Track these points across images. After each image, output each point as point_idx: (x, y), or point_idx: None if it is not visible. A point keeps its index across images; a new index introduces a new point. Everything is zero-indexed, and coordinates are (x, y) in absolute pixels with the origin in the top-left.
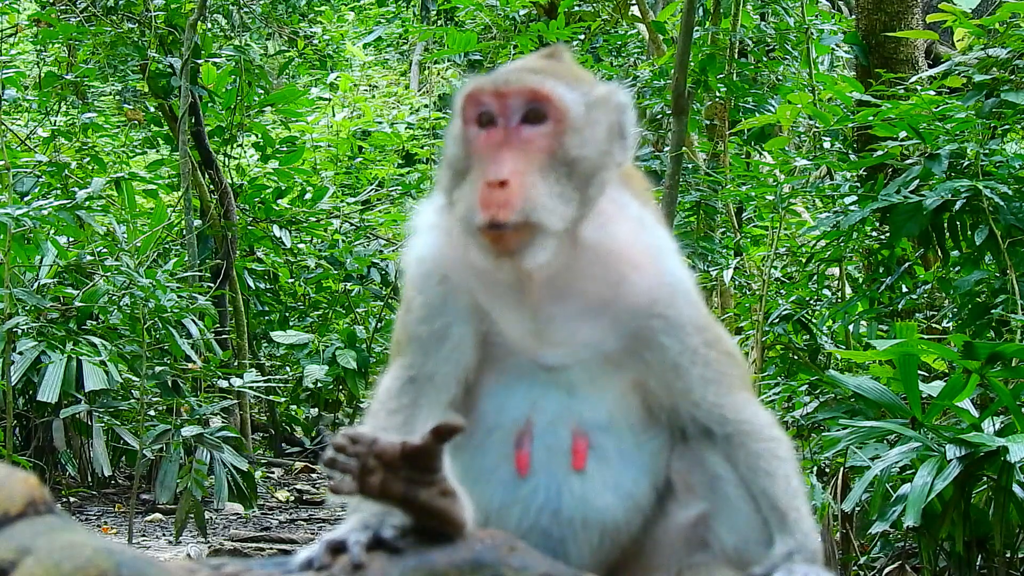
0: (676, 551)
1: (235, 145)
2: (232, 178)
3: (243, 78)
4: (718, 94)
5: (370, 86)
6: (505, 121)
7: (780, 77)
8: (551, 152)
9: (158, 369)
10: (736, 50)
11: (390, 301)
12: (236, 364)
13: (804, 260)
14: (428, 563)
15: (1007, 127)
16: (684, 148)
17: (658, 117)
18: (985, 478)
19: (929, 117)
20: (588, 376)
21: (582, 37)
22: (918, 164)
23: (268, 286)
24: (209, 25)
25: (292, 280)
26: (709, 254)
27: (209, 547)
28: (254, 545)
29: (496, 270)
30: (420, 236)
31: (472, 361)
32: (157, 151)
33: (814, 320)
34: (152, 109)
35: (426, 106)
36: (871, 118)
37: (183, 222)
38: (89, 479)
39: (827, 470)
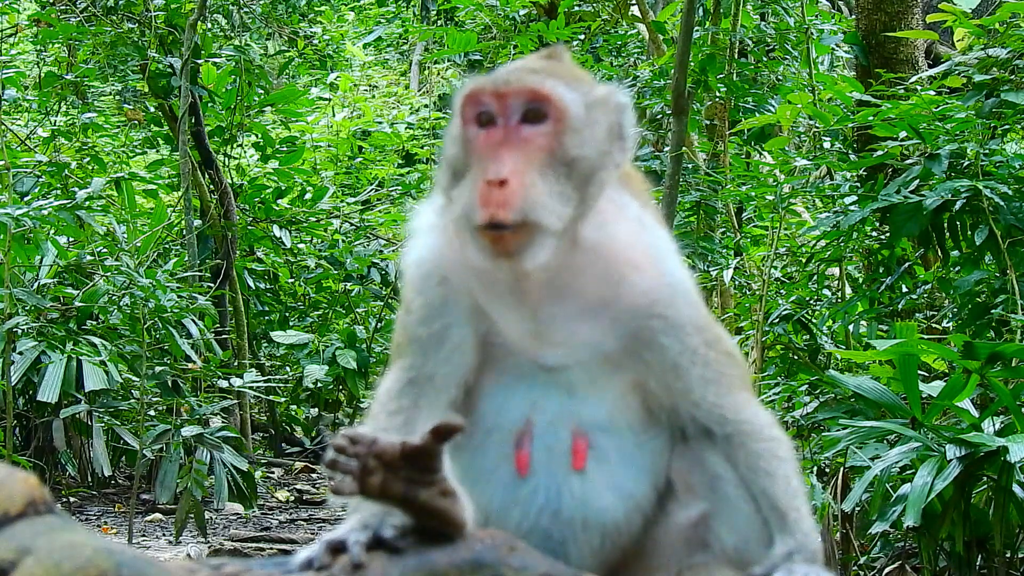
0: (676, 551)
1: (235, 145)
2: (232, 178)
3: (243, 78)
4: (718, 94)
5: (370, 86)
6: (505, 121)
7: (780, 77)
8: (550, 151)
9: (158, 369)
10: (736, 50)
11: (390, 301)
12: (236, 364)
13: (804, 260)
14: (428, 563)
15: (1007, 127)
16: (684, 148)
17: (658, 117)
18: (985, 478)
19: (929, 117)
20: (588, 376)
21: (582, 37)
22: (918, 164)
23: (268, 286)
24: (209, 25)
25: (292, 280)
26: (709, 254)
27: (209, 547)
28: (254, 545)
29: (495, 270)
30: (419, 237)
31: (472, 362)
32: (157, 151)
33: (814, 320)
34: (152, 109)
35: (426, 106)
36: (871, 118)
37: (183, 222)
38: (89, 479)
39: (827, 470)
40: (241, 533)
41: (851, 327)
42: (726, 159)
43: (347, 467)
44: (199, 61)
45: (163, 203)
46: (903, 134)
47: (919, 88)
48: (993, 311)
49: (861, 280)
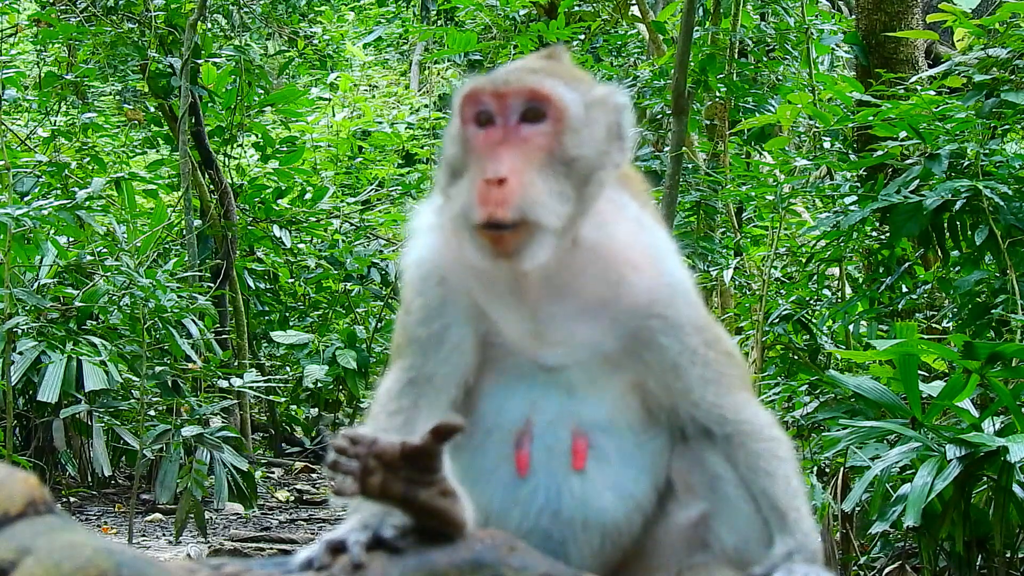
0: (676, 551)
1: (235, 145)
2: (232, 178)
3: (243, 78)
4: (718, 94)
5: (370, 86)
6: (504, 120)
7: (780, 77)
8: (549, 151)
9: (158, 369)
10: (736, 50)
11: (390, 301)
12: (236, 364)
13: (804, 260)
14: (428, 563)
15: (1007, 127)
16: (684, 148)
17: (658, 117)
18: (985, 478)
19: (929, 117)
20: (587, 376)
21: (582, 37)
22: (918, 164)
23: (268, 286)
24: (209, 25)
25: (292, 280)
26: (709, 254)
27: (209, 547)
28: (254, 545)
29: (494, 269)
30: (419, 237)
31: (472, 362)
32: (157, 151)
33: (814, 320)
34: (152, 109)
35: (426, 106)
36: (871, 118)
37: (183, 222)
38: (89, 479)
39: (827, 470)
40: (241, 533)
41: (851, 327)
42: (726, 159)
43: (348, 468)
44: (199, 61)
45: (163, 203)
46: (903, 134)
47: (919, 88)
48: (993, 311)
49: (861, 280)
